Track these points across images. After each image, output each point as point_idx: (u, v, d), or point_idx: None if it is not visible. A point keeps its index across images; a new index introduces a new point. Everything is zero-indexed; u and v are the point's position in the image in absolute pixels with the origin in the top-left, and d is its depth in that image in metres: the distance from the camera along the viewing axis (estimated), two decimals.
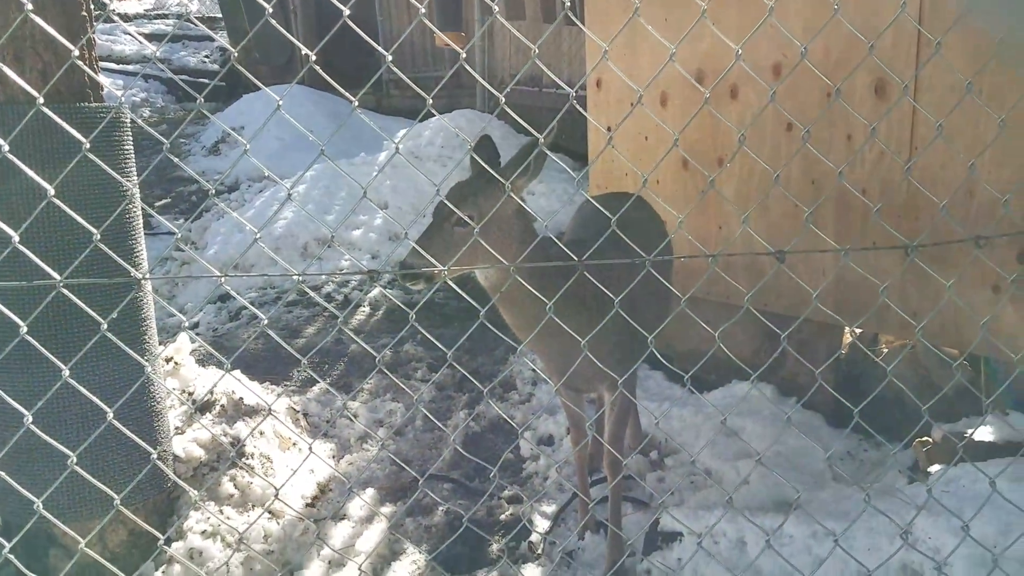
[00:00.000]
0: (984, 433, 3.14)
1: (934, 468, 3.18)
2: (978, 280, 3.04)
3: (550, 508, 3.50)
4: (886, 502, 2.77)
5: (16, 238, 1.49)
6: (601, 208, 2.15)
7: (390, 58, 1.76)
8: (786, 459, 3.53)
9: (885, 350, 4.20)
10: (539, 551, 3.21)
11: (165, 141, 1.63)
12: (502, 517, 3.48)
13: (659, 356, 2.18)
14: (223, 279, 1.67)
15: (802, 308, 2.28)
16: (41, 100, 1.51)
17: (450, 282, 2.18)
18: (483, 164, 2.22)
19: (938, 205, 2.20)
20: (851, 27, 2.32)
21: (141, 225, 2.87)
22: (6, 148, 1.45)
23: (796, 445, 3.60)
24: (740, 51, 1.94)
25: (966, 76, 2.31)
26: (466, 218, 2.38)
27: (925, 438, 3.30)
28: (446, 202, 2.36)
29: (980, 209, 3.03)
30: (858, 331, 4.02)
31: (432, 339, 2.14)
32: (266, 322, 1.74)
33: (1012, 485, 2.65)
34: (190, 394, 3.58)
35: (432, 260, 2.18)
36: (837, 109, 3.40)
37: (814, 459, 3.55)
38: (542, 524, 3.38)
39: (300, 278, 1.71)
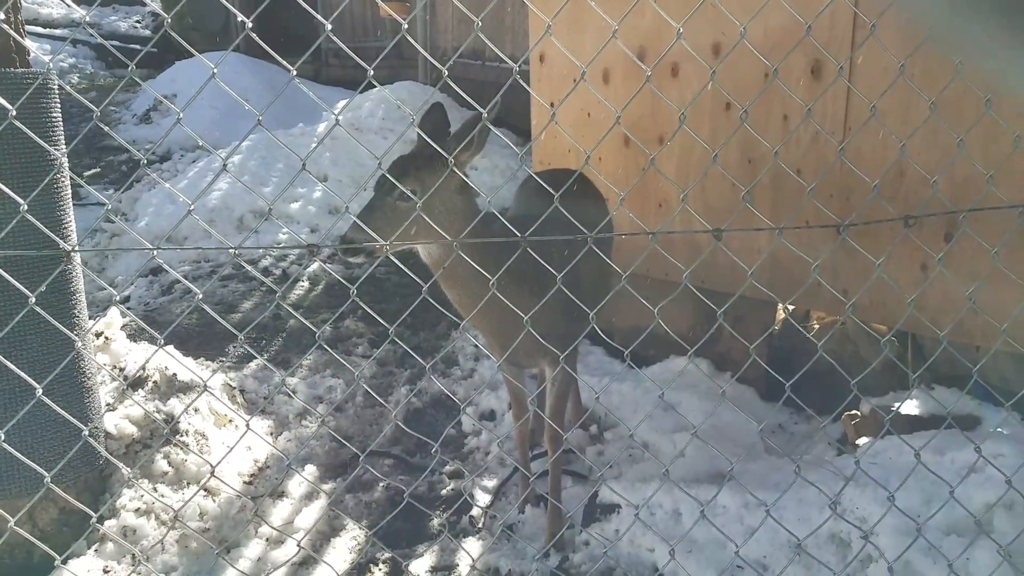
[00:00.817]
0: (910, 407, 3.26)
1: (862, 441, 3.29)
2: (907, 259, 3.14)
3: (491, 483, 3.52)
4: (816, 473, 2.86)
5: None
6: (544, 184, 2.14)
7: (329, 26, 1.72)
8: (720, 432, 3.61)
9: (816, 326, 4.31)
10: (480, 525, 3.23)
11: (95, 108, 1.57)
12: (443, 492, 3.49)
13: (600, 332, 2.20)
14: (155, 252, 1.63)
15: (738, 285, 2.32)
16: None
17: (392, 257, 2.16)
18: (426, 138, 2.20)
19: (870, 185, 2.25)
20: (789, 8, 2.35)
21: (70, 196, 2.78)
22: None
23: (730, 419, 3.68)
24: (681, 30, 1.96)
25: (899, 59, 2.36)
26: (408, 193, 2.36)
27: (854, 412, 3.41)
28: (388, 176, 2.33)
29: (910, 190, 3.12)
30: (791, 308, 4.12)
31: (373, 314, 2.13)
32: (200, 296, 1.70)
33: (936, 457, 2.77)
34: (121, 370, 3.49)
35: (373, 235, 2.16)
36: (774, 90, 3.45)
37: (747, 432, 3.64)
38: (483, 498, 3.40)
39: (236, 251, 1.67)
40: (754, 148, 3.65)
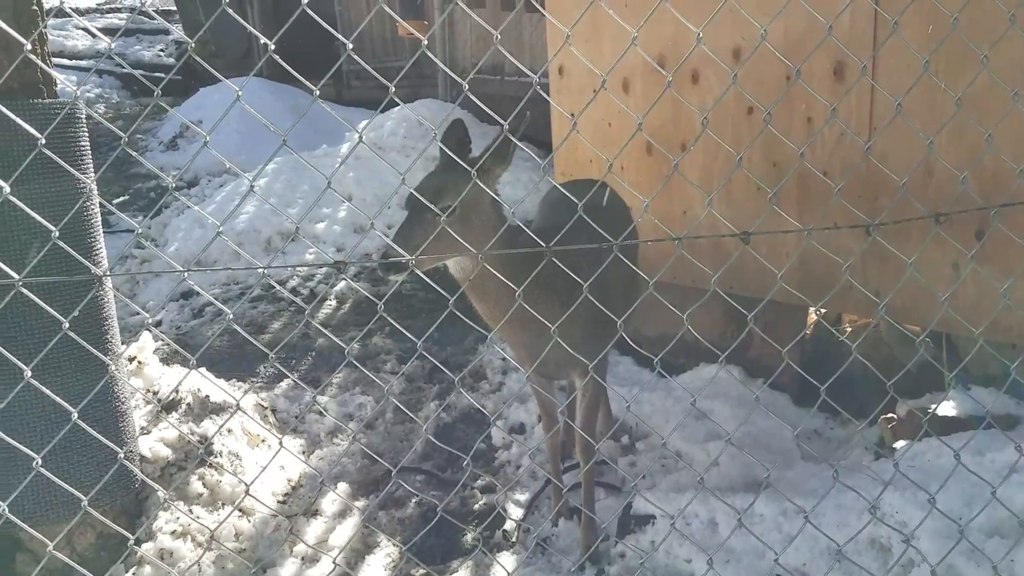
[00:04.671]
0: (947, 408, 3.21)
1: (899, 444, 3.24)
2: (938, 258, 3.09)
3: (523, 496, 3.50)
4: (854, 478, 2.82)
5: None
6: (568, 194, 2.14)
7: (350, 46, 1.73)
8: (755, 439, 3.57)
9: (848, 329, 4.26)
10: (514, 539, 3.21)
11: (122, 135, 1.59)
12: (476, 507, 3.48)
13: (628, 341, 2.19)
14: (186, 274, 1.64)
15: (767, 289, 2.30)
16: None
17: (419, 272, 2.16)
18: (452, 155, 2.21)
19: (898, 184, 2.22)
20: (809, 8, 2.33)
21: (100, 223, 2.82)
22: None
23: (764, 425, 3.64)
24: (701, 34, 1.95)
25: (923, 55, 2.34)
26: (438, 211, 2.36)
27: (890, 415, 3.36)
28: (415, 194, 2.33)
29: (939, 187, 3.08)
30: (822, 311, 4.08)
31: (402, 329, 2.13)
32: (231, 316, 1.72)
33: (975, 458, 2.72)
34: (155, 393, 3.53)
35: (401, 251, 2.16)
36: (797, 92, 3.43)
37: (782, 439, 3.59)
38: (516, 512, 3.39)
39: (264, 270, 1.69)
40: (778, 151, 3.62)
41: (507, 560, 3.08)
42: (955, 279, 3.02)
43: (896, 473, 2.37)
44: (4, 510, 1.57)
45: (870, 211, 3.17)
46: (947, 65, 2.93)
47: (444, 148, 2.46)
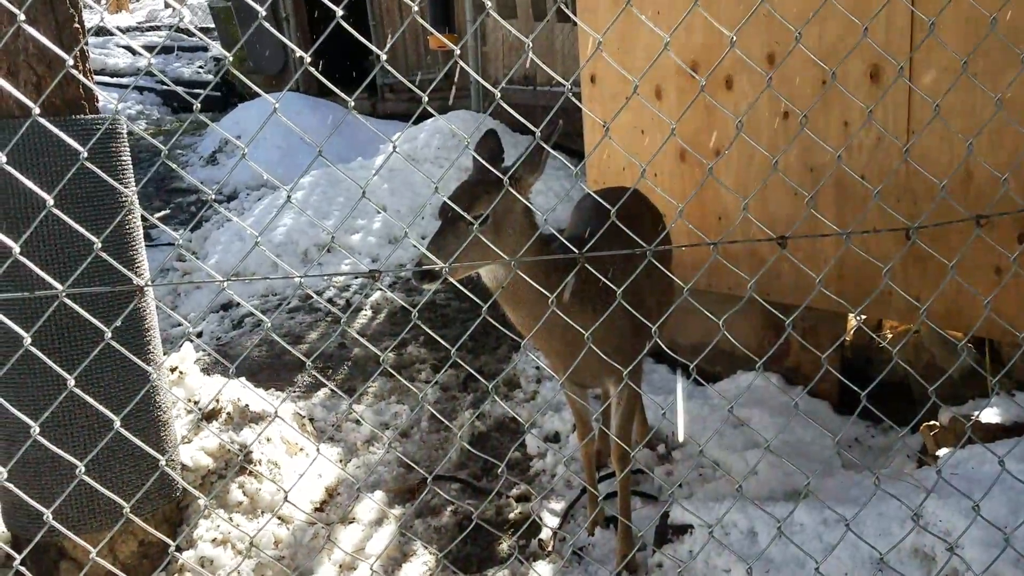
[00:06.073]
0: (990, 414, 3.14)
1: (942, 451, 3.18)
2: (980, 261, 3.04)
3: (559, 505, 3.49)
4: (896, 486, 2.77)
5: (17, 249, 1.49)
6: (601, 200, 2.15)
7: (384, 57, 1.76)
8: (794, 448, 3.52)
9: (889, 335, 4.20)
10: (549, 548, 3.20)
11: (163, 148, 1.63)
12: (511, 515, 3.48)
13: (664, 348, 2.18)
14: (225, 284, 1.67)
15: (804, 296, 2.28)
16: (37, 111, 1.50)
17: (453, 280, 2.17)
18: (485, 164, 2.22)
19: (937, 187, 2.19)
20: (844, 11, 2.31)
21: (141, 235, 2.87)
22: (3, 160, 1.45)
23: (803, 434, 3.59)
24: (734, 38, 1.94)
25: (961, 56, 2.30)
26: (471, 219, 2.37)
27: (933, 422, 3.30)
28: (448, 203, 2.35)
29: (979, 190, 3.03)
30: (862, 317, 4.02)
31: (436, 337, 2.14)
32: (269, 325, 1.74)
33: (1020, 465, 2.65)
34: (196, 403, 3.58)
35: (435, 259, 2.18)
36: (832, 96, 3.39)
37: (821, 447, 3.54)
38: (552, 521, 3.38)
39: (301, 280, 1.71)
40: (814, 156, 3.59)
41: (543, 569, 3.07)
42: (997, 283, 2.96)
43: (939, 480, 2.33)
44: (48, 517, 1.60)
45: (909, 215, 3.12)
46: (986, 66, 2.88)
47: (477, 157, 2.48)
